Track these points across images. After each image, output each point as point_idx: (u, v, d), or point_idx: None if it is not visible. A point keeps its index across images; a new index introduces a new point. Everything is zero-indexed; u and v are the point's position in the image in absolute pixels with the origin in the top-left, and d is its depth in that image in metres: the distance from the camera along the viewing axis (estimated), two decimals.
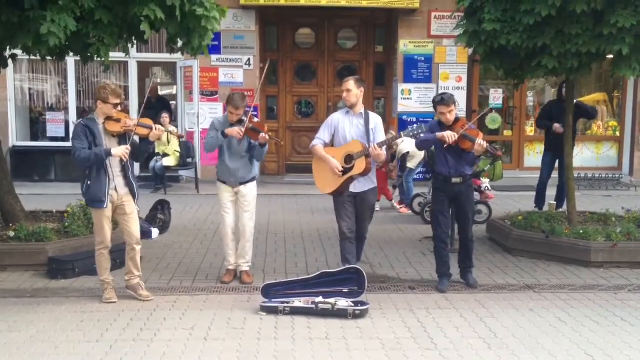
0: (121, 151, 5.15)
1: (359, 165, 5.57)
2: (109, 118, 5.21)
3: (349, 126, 5.76)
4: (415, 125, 5.67)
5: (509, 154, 12.96)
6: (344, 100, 5.80)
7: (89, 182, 5.18)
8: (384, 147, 5.68)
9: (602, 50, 6.03)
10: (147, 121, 5.43)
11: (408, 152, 9.35)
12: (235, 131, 5.65)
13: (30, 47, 5.48)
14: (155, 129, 5.34)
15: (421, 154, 9.08)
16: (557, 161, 8.88)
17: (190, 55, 6.55)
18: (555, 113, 8.85)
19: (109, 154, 5.12)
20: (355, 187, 5.73)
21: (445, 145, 5.61)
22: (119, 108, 5.30)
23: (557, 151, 8.90)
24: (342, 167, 5.61)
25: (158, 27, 5.82)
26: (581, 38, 6.01)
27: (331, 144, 5.87)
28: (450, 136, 5.54)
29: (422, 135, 5.66)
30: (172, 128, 11.18)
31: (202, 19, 5.93)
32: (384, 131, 6.01)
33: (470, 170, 5.97)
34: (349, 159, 5.63)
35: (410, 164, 9.39)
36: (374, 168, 5.83)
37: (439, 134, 5.63)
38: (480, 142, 5.53)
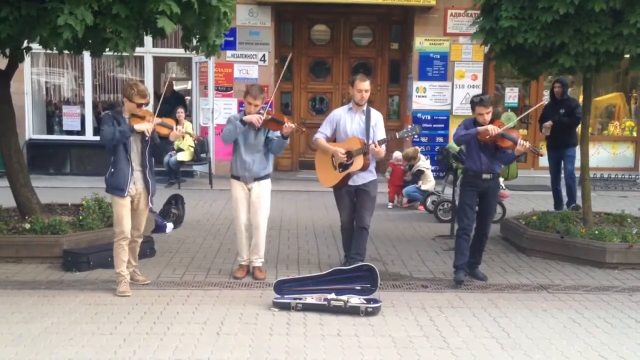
0: (144, 127, 5.27)
1: (358, 162, 5.76)
2: (133, 115, 5.34)
3: (350, 122, 5.91)
4: (409, 127, 5.91)
5: (524, 153, 12.86)
6: (359, 100, 5.86)
7: (112, 170, 5.32)
8: (384, 145, 5.79)
9: (620, 49, 5.97)
10: (169, 121, 5.62)
11: (423, 171, 9.41)
12: (255, 117, 5.63)
13: (47, 39, 5.51)
14: (176, 129, 5.51)
15: (432, 182, 9.50)
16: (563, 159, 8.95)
17: (205, 55, 6.59)
18: (549, 113, 8.88)
19: (132, 130, 5.24)
20: (355, 181, 5.90)
21: (487, 137, 5.66)
22: (145, 107, 5.41)
23: (557, 149, 8.91)
24: (342, 161, 5.78)
25: (175, 21, 5.83)
26: (600, 37, 5.96)
27: (333, 139, 6.03)
28: (493, 129, 5.63)
29: (415, 135, 5.76)
30: (191, 130, 11.25)
31: (218, 9, 5.93)
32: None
33: (500, 168, 6.05)
34: (348, 155, 5.79)
35: (425, 186, 9.40)
36: (374, 162, 5.95)
37: (481, 128, 5.69)
38: (523, 143, 5.66)
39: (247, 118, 5.66)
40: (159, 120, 5.42)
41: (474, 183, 5.89)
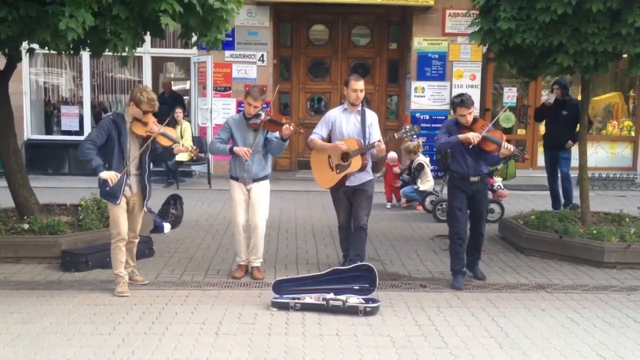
0: (108, 175, 5.11)
1: (356, 162, 5.74)
2: (136, 119, 5.30)
3: (345, 123, 5.89)
4: (408, 127, 5.83)
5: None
6: (354, 100, 5.83)
7: None
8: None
9: (618, 49, 5.98)
10: (172, 132, 5.56)
11: (423, 166, 9.39)
12: (243, 151, 5.67)
13: (49, 42, 5.51)
14: (180, 144, 5.45)
15: (431, 182, 9.43)
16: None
17: (207, 50, 6.59)
18: (551, 113, 8.92)
19: (97, 174, 5.11)
20: (352, 181, 5.88)
21: (470, 147, 5.63)
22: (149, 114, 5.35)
23: (552, 150, 8.93)
24: (340, 163, 5.78)
25: (178, 20, 5.82)
26: (597, 37, 5.96)
27: (328, 139, 5.99)
28: (475, 137, 5.58)
29: (414, 135, 5.72)
30: (190, 133, 11.26)
31: (219, 11, 5.93)
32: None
33: (487, 168, 5.99)
34: (345, 156, 5.78)
35: (423, 186, 9.38)
36: (370, 162, 5.94)
37: (462, 136, 5.64)
38: (507, 146, 5.58)
39: (237, 150, 5.69)
40: (162, 130, 5.35)
41: (461, 186, 5.82)
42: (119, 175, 5.18)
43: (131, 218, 5.49)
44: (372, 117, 5.96)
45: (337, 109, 6.09)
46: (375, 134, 5.85)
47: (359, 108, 5.90)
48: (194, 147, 5.81)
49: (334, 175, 5.86)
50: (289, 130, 5.63)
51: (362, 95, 5.86)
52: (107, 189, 5.22)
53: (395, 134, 5.84)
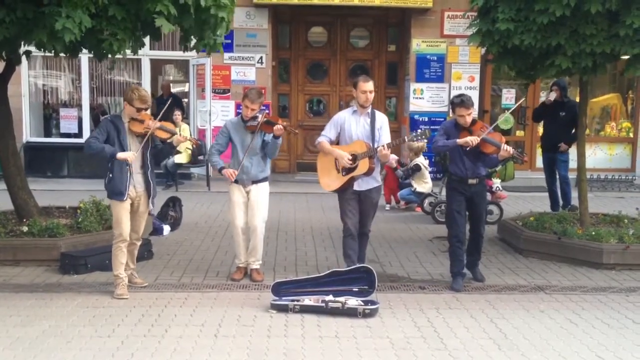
0: (125, 156, 5.25)
1: (363, 165, 5.62)
2: (133, 118, 5.35)
3: (355, 125, 5.78)
4: (419, 131, 5.76)
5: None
6: (363, 101, 5.69)
7: (111, 175, 5.33)
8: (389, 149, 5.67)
9: (617, 50, 5.99)
10: (169, 125, 5.63)
11: (420, 168, 9.36)
12: (229, 173, 5.72)
13: (45, 43, 5.51)
14: (178, 134, 5.55)
15: (429, 184, 9.39)
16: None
17: (206, 53, 6.58)
18: (548, 114, 8.92)
19: (113, 156, 5.23)
20: (360, 186, 5.76)
21: (467, 149, 5.61)
22: (145, 112, 5.38)
23: (551, 151, 8.93)
24: (347, 166, 5.64)
25: (173, 23, 5.81)
26: (596, 38, 5.97)
27: (337, 142, 5.92)
28: (473, 140, 5.54)
29: (425, 140, 5.69)
30: (188, 133, 11.24)
31: (212, 8, 5.90)
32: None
33: (485, 170, 5.98)
34: (353, 158, 5.67)
35: (420, 188, 9.38)
36: (378, 167, 5.86)
37: (460, 141, 5.61)
38: (507, 148, 5.54)
39: (225, 172, 5.73)
40: (158, 124, 5.40)
41: (460, 188, 5.80)
42: (136, 153, 5.29)
43: (135, 218, 5.51)
44: (382, 119, 5.82)
45: (346, 111, 5.95)
46: (385, 137, 5.72)
47: (369, 110, 5.77)
48: (193, 137, 5.87)
49: (340, 178, 5.74)
50: (280, 130, 5.63)
51: (371, 96, 5.70)
52: (113, 187, 5.30)
53: (406, 138, 5.81)
